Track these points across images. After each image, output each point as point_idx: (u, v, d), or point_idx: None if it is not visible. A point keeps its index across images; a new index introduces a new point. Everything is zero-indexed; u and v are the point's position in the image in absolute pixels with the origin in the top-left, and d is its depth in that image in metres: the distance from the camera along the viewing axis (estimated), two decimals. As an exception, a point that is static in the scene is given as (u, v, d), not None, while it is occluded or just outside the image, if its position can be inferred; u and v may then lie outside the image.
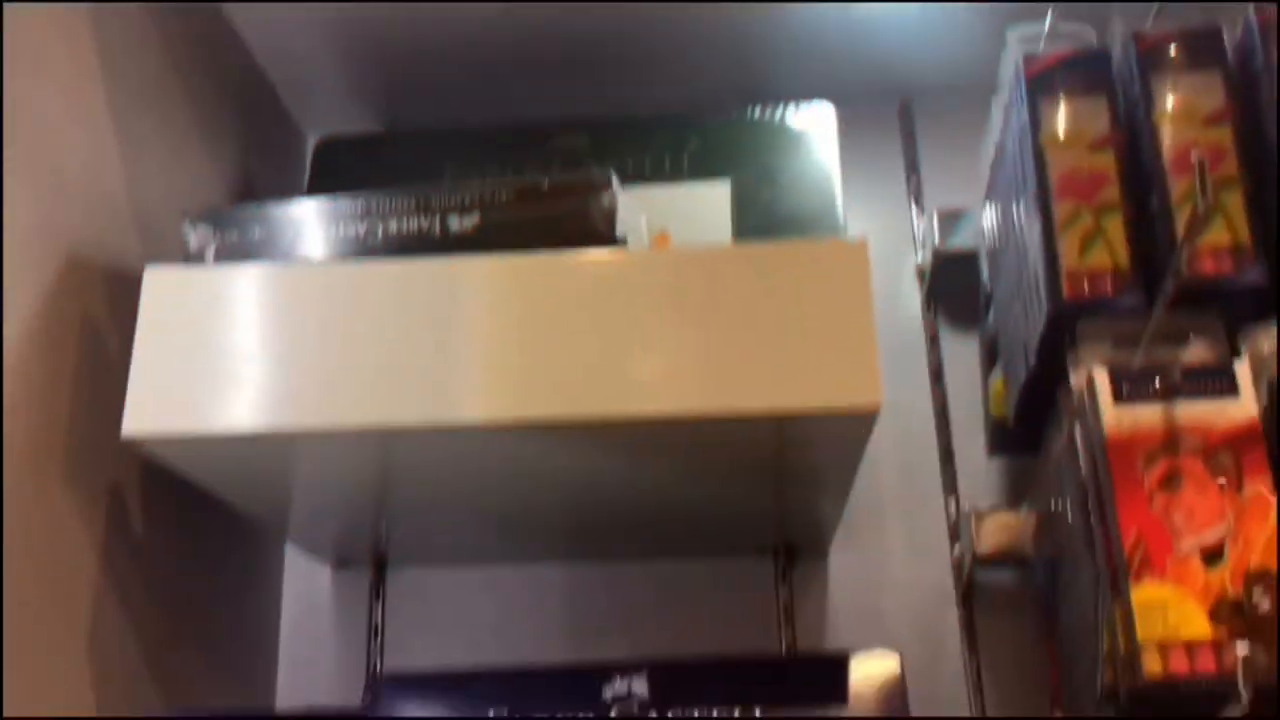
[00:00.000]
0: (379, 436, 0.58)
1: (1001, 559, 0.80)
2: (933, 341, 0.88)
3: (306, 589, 0.87)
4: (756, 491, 0.71)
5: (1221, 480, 0.60)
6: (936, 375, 0.88)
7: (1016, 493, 0.83)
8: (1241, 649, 0.55)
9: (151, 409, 0.58)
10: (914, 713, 0.66)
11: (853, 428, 0.58)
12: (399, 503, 0.73)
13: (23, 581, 0.58)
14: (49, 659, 0.61)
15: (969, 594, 0.83)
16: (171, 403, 0.58)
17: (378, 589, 0.86)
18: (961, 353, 0.88)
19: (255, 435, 0.58)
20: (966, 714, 0.80)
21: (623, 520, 0.76)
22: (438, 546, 0.84)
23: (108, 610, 0.65)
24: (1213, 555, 0.59)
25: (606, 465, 0.63)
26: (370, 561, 0.86)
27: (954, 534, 0.84)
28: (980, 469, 0.85)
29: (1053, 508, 0.74)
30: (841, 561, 0.85)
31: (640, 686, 0.64)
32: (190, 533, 0.74)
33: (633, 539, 0.82)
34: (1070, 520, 0.69)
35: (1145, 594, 0.59)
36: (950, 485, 0.85)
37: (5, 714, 0.53)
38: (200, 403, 0.58)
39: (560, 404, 0.57)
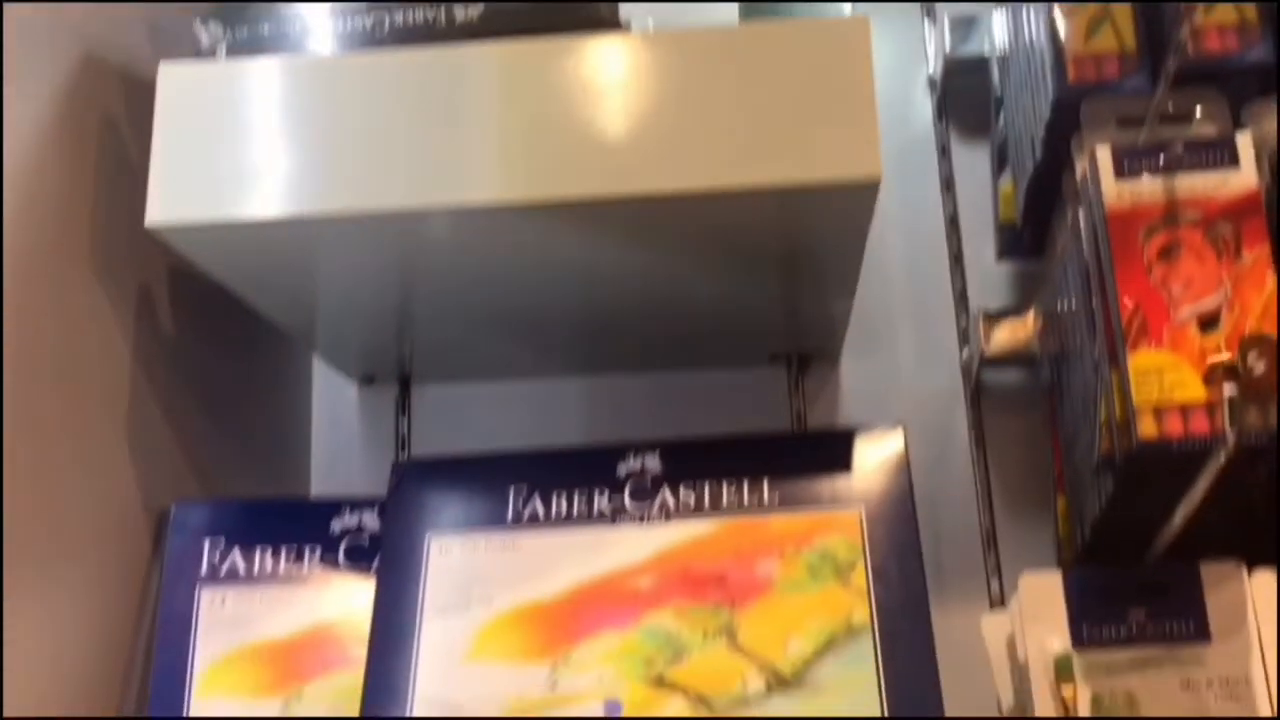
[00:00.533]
0: (395, 220, 0.60)
1: (1008, 359, 0.82)
2: (943, 151, 0.89)
3: (334, 406, 0.90)
4: (765, 287, 0.72)
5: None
6: (947, 184, 0.88)
7: (1024, 297, 0.84)
8: (1228, 390, 0.56)
9: (173, 199, 0.60)
10: (920, 499, 0.68)
11: (854, 202, 0.59)
12: (419, 308, 0.75)
13: (60, 369, 0.62)
14: (90, 444, 0.64)
15: (977, 394, 0.85)
16: (192, 192, 0.60)
17: (403, 404, 0.89)
18: (973, 162, 0.88)
19: (274, 222, 0.60)
20: (974, 507, 0.82)
21: (637, 327, 0.78)
22: (459, 361, 0.86)
23: (143, 401, 0.68)
24: (1209, 322, 0.61)
25: (617, 253, 0.65)
26: (395, 377, 0.89)
27: (963, 339, 0.86)
28: (990, 275, 0.86)
29: (1058, 306, 0.75)
30: (853, 369, 0.87)
31: (653, 463, 0.67)
32: (220, 339, 0.77)
33: (649, 349, 0.84)
34: (1073, 308, 0.70)
35: (1141, 361, 0.60)
36: (960, 292, 0.86)
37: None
38: (220, 192, 0.60)
39: (568, 184, 0.59)
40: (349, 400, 0.90)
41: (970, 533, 0.82)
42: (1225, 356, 0.59)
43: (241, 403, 0.80)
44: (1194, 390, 0.59)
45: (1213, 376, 0.59)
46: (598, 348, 0.84)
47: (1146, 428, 0.59)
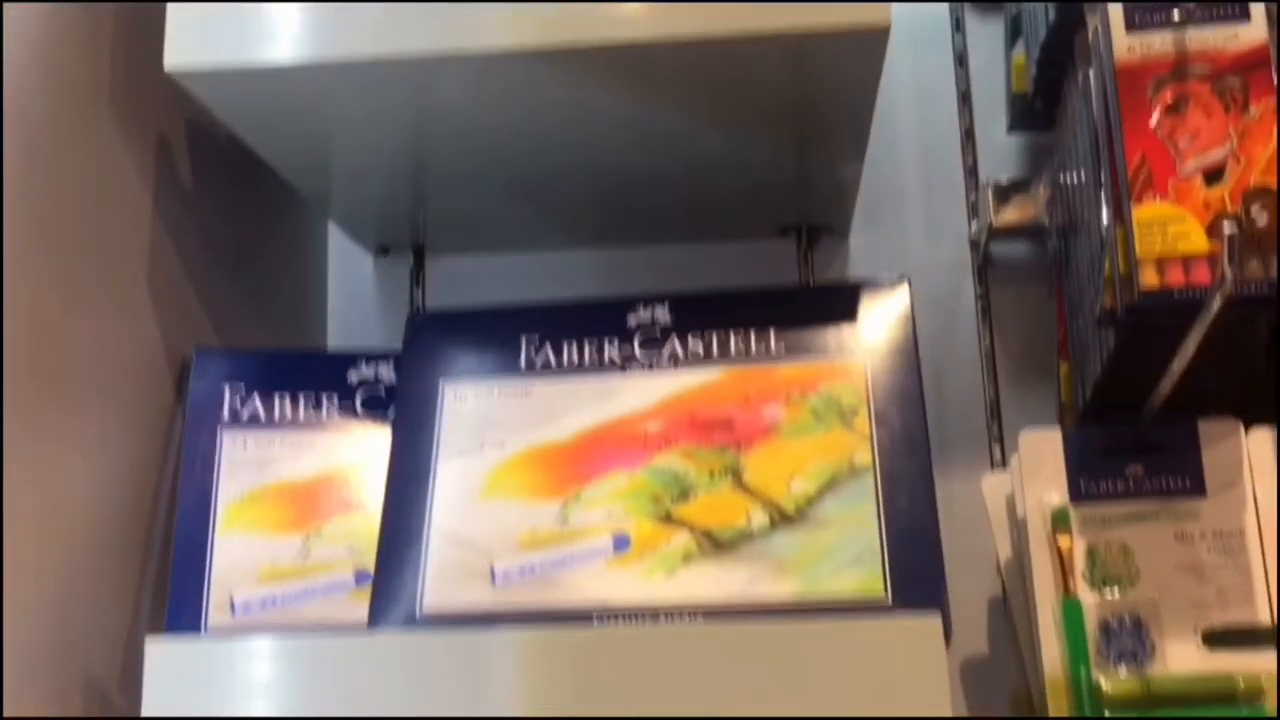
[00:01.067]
0: (407, 67, 0.61)
1: (1017, 230, 0.83)
2: (957, 25, 0.89)
3: (350, 277, 0.92)
4: (774, 146, 0.73)
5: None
6: (960, 59, 0.88)
7: (1034, 170, 0.85)
8: (1229, 228, 0.57)
9: (191, 43, 0.61)
10: (926, 369, 0.70)
11: (863, 51, 0.60)
12: (432, 170, 0.76)
13: (84, 214, 0.63)
14: (114, 288, 0.66)
15: (985, 267, 0.85)
16: (210, 37, 0.61)
17: (417, 276, 0.91)
18: (986, 38, 0.88)
19: (289, 67, 0.61)
20: (979, 377, 0.84)
21: (647, 192, 0.79)
22: (472, 232, 0.87)
23: (162, 247, 0.69)
24: (1214, 175, 0.61)
25: (626, 105, 0.65)
26: (410, 248, 0.90)
27: (972, 212, 0.86)
28: (1000, 149, 0.87)
29: (1066, 176, 0.76)
30: (861, 243, 0.88)
31: (662, 314, 0.68)
32: (238, 202, 0.78)
33: (659, 220, 0.85)
34: (1081, 179, 0.71)
35: (1146, 213, 0.61)
36: (971, 166, 0.87)
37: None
38: (237, 37, 0.61)
39: (578, 30, 0.59)
40: (364, 271, 0.92)
41: (975, 401, 0.84)
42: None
43: (259, 268, 0.82)
44: (1197, 242, 0.60)
45: (1216, 229, 0.60)
46: (608, 218, 0.85)
47: (1149, 278, 0.60)
